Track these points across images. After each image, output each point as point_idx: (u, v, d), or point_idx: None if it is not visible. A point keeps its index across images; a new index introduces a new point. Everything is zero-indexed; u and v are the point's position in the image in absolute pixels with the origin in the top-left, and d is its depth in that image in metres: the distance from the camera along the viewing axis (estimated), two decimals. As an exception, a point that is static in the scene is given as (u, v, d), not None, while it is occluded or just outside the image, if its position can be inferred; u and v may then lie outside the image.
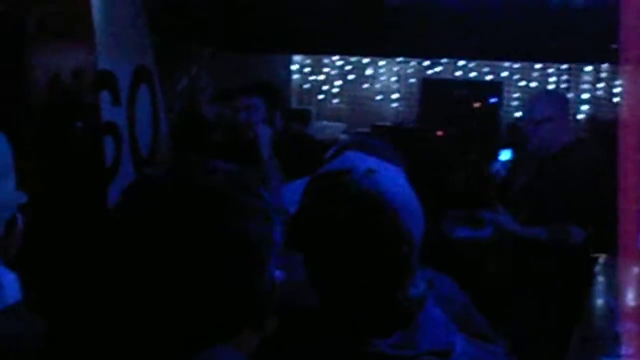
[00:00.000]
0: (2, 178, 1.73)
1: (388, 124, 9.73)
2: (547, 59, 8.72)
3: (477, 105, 9.15)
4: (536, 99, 4.89)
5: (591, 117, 9.45)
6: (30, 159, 4.09)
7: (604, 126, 8.89)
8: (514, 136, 6.91)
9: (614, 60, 8.16)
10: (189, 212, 1.34)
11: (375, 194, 1.66)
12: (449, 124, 8.60)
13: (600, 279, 3.92)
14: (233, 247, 1.34)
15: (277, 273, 1.43)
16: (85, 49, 4.43)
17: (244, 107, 4.67)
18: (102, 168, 4.65)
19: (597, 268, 4.12)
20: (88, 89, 4.44)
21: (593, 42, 6.29)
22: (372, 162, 1.75)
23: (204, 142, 5.30)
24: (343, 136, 8.57)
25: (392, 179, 1.73)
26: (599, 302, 3.39)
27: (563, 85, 9.71)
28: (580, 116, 9.50)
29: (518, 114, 9.51)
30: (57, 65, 4.16)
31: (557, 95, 5.68)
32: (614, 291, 3.23)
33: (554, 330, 4.01)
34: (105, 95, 4.69)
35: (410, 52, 8.65)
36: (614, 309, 2.84)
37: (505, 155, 4.80)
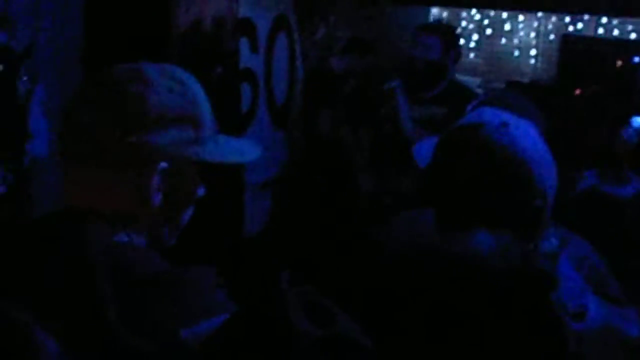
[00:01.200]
0: None
1: (525, 80, 9.56)
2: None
3: (618, 63, 8.87)
4: None
5: None
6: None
7: None
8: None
9: None
10: None
11: (508, 146, 1.68)
12: (589, 82, 8.39)
13: None
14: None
15: None
16: (227, -3, 4.50)
17: (422, 45, 4.89)
18: (239, 114, 4.74)
19: None
20: (228, 35, 4.51)
21: None
22: (505, 116, 1.76)
23: (331, 94, 5.34)
24: (479, 90, 8.46)
25: (526, 132, 1.73)
26: None
27: None
28: None
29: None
30: (200, 11, 4.24)
31: None
32: None
33: None
34: (244, 43, 4.77)
35: (551, 8, 8.45)
36: None
37: (637, 122, 4.65)
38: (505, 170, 1.68)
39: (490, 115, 1.76)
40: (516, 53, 10.14)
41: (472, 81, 9.34)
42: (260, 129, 5.00)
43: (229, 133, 4.89)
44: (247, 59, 4.79)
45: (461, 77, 9.52)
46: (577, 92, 8.29)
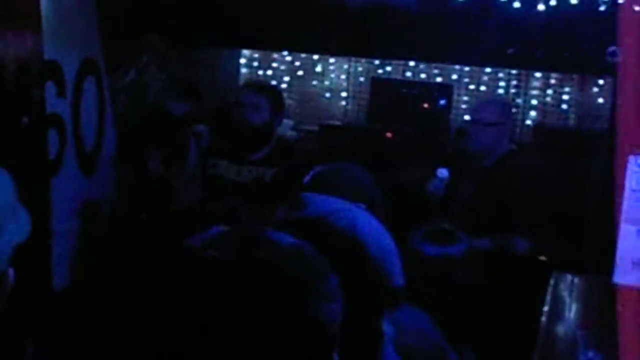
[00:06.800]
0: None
1: (337, 122, 9.70)
2: (497, 64, 8.78)
3: (426, 106, 9.17)
4: (485, 103, 4.94)
5: (538, 124, 9.52)
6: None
7: (551, 134, 8.96)
8: (462, 140, 6.91)
9: (564, 68, 8.27)
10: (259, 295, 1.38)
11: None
12: (398, 124, 8.61)
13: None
14: (303, 328, 1.39)
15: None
16: (32, 39, 4.33)
17: (252, 105, 4.47)
18: (45, 161, 4.56)
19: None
20: (34, 80, 4.34)
21: (544, 50, 6.39)
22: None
23: (164, 135, 5.18)
24: (291, 133, 8.51)
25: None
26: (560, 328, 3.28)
27: (512, 91, 9.78)
28: (528, 122, 9.61)
29: (467, 117, 9.55)
30: (3, 54, 4.07)
31: (504, 102, 5.86)
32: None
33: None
34: (50, 86, 4.60)
35: (361, 52, 8.63)
36: (578, 337, 2.78)
37: (442, 173, 4.76)
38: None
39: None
40: (327, 95, 10.29)
41: (285, 123, 9.38)
42: (68, 175, 4.83)
43: (35, 182, 4.71)
44: (54, 103, 4.62)
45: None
46: (388, 135, 8.49)
